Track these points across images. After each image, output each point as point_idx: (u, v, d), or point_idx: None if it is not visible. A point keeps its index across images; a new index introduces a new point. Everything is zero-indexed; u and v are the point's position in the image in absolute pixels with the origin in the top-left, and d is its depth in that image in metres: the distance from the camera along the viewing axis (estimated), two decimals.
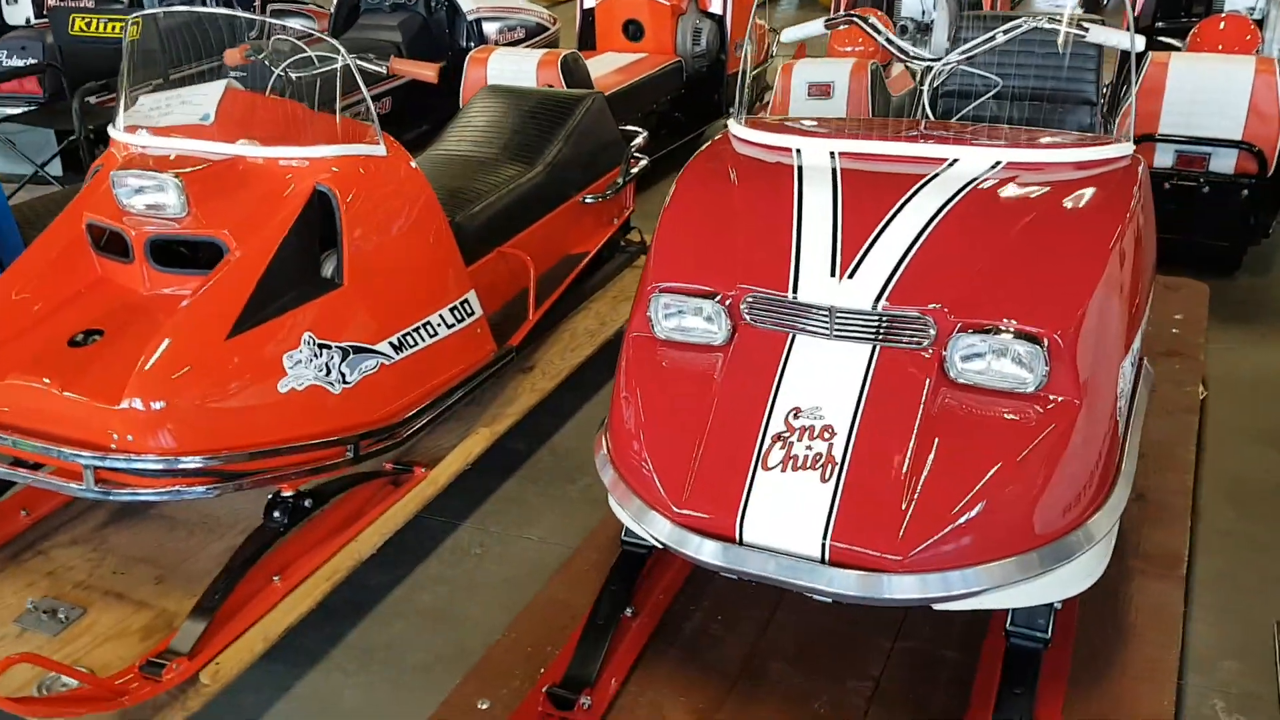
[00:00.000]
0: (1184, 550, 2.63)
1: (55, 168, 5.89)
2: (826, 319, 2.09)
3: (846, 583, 1.89)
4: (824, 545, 1.90)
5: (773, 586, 2.00)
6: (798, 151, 2.39)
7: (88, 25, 5.87)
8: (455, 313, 3.04)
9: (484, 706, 2.26)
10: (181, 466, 2.37)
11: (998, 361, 2.00)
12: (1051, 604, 2.14)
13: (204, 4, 6.63)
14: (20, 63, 6.13)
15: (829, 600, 1.98)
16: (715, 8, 6.21)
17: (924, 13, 6.26)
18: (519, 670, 2.35)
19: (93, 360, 2.45)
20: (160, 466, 2.35)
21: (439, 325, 2.97)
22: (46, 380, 2.40)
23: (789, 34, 2.80)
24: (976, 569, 1.88)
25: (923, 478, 1.90)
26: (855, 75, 4.36)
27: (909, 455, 1.93)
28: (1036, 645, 2.14)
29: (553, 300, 3.57)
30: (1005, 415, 1.98)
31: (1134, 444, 2.25)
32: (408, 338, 2.86)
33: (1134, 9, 5.54)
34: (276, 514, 2.62)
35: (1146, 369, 2.55)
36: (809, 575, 1.92)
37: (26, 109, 6.00)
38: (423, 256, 2.95)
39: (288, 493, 2.63)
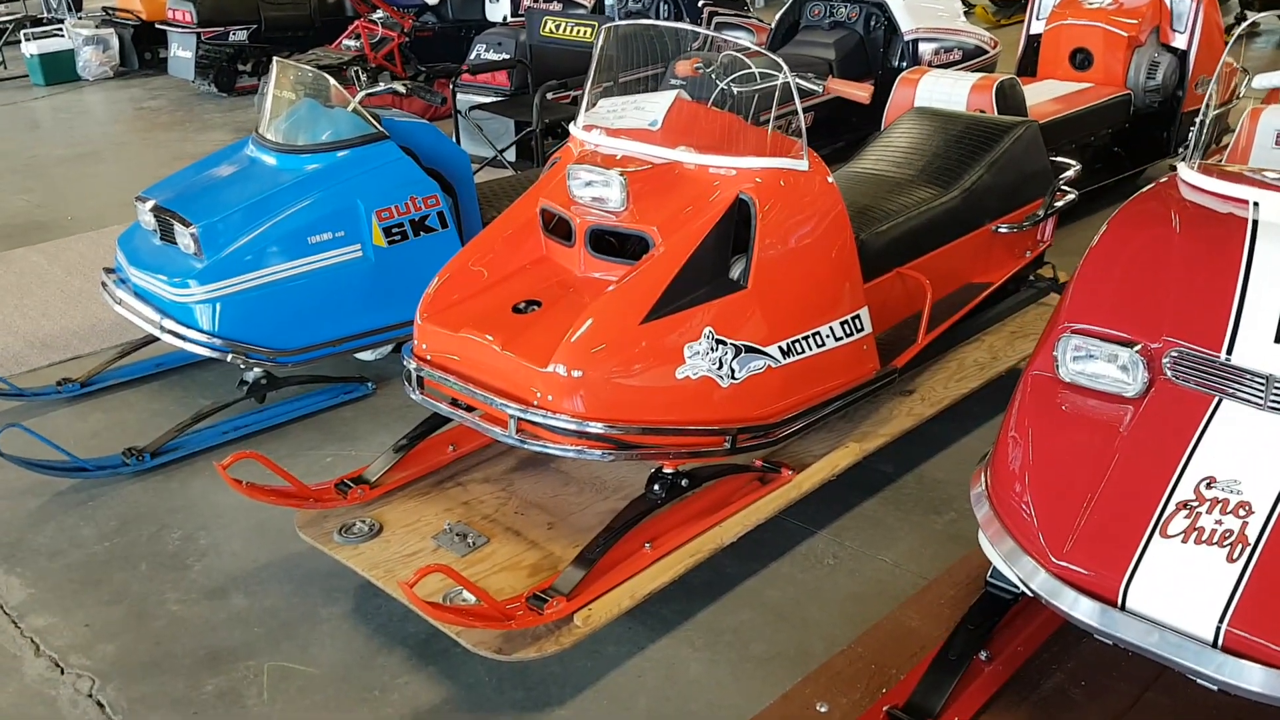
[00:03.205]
0: None
1: (510, 154, 6.66)
2: (1263, 388, 1.91)
3: (1240, 673, 1.74)
4: (1219, 629, 1.76)
5: (1149, 662, 1.87)
6: (1255, 205, 2.19)
7: (557, 28, 6.56)
8: (845, 327, 3.09)
9: (822, 710, 2.32)
10: (587, 430, 2.64)
11: None
12: None
13: (657, 17, 7.21)
14: (496, 56, 6.99)
15: (1214, 689, 1.81)
16: (1178, 42, 5.75)
17: None
18: (860, 684, 2.38)
19: (529, 327, 2.79)
20: (571, 427, 2.63)
21: (827, 337, 3.04)
22: (490, 337, 2.77)
23: (1263, 80, 2.57)
24: None
25: None
26: None
27: None
28: None
29: (945, 327, 3.51)
30: None
31: None
32: (796, 344, 2.95)
33: None
34: (656, 487, 2.83)
35: None
36: (1196, 658, 1.78)
37: (495, 99, 6.85)
38: (824, 270, 3.03)
39: (668, 470, 2.83)
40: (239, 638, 2.83)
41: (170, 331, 3.68)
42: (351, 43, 8.29)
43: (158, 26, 9.81)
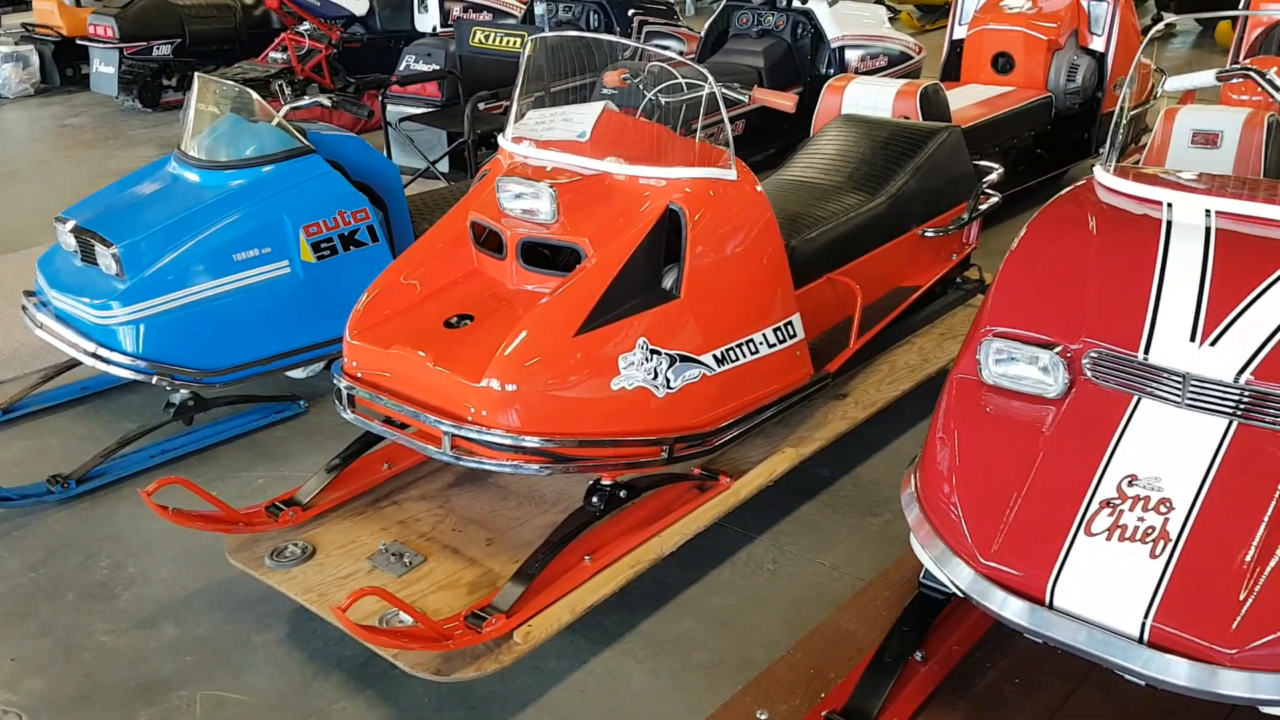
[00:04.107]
0: None
1: (442, 165, 6.60)
2: (1180, 386, 1.96)
3: (1166, 668, 1.78)
4: (1144, 624, 1.79)
5: (1079, 658, 1.90)
6: (1169, 205, 2.25)
7: (486, 39, 6.52)
8: (778, 333, 3.11)
9: (762, 717, 2.33)
10: (523, 444, 2.62)
11: None
12: None
13: (588, 27, 7.20)
14: (426, 68, 6.92)
15: (1141, 684, 1.85)
16: (1097, 44, 5.91)
17: None
18: (800, 690, 2.39)
19: (462, 341, 2.76)
20: (507, 442, 2.61)
21: (761, 344, 3.06)
22: (422, 353, 2.74)
23: (1174, 83, 2.63)
24: None
25: (1269, 568, 1.74)
26: (1248, 127, 3.95)
27: (1256, 542, 1.77)
28: None
29: (876, 331, 3.56)
30: None
31: None
32: (731, 352, 2.97)
33: None
34: (595, 499, 2.82)
35: None
36: (1123, 654, 1.82)
37: (426, 110, 6.78)
38: (755, 277, 3.05)
39: (607, 481, 2.82)
40: (171, 667, 2.76)
41: (93, 355, 3.59)
42: (278, 55, 8.16)
43: (79, 42, 9.56)
